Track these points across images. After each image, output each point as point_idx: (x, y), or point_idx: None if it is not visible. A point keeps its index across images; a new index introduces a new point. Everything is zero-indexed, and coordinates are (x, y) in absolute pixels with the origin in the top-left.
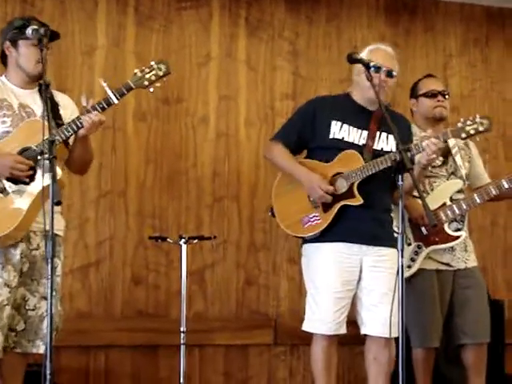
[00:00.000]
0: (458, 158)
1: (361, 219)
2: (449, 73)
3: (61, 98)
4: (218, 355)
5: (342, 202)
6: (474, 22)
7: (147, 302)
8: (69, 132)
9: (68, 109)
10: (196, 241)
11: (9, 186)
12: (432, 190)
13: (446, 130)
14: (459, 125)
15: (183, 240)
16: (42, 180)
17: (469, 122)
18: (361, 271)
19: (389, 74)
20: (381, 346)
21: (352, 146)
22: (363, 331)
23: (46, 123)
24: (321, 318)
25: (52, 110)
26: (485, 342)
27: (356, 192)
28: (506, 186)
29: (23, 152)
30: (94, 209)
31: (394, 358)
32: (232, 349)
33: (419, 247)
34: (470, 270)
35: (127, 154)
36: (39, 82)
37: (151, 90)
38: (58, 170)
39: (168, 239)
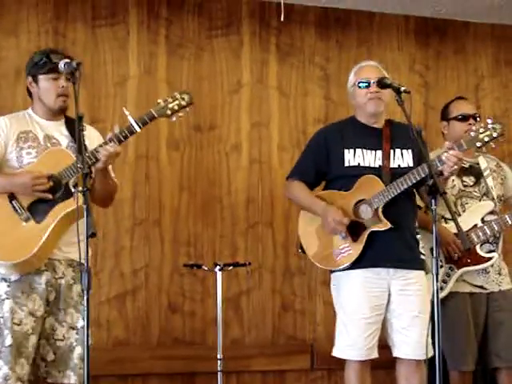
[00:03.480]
0: (489, 180)
1: (388, 243)
2: (481, 94)
3: (87, 130)
4: (256, 381)
5: (370, 229)
6: (505, 43)
7: (184, 330)
8: (92, 159)
9: (95, 141)
10: (231, 268)
11: (31, 212)
12: (464, 211)
13: (460, 140)
14: (472, 134)
15: (218, 267)
16: (72, 209)
17: (481, 130)
18: (389, 294)
19: (379, 83)
20: (412, 369)
21: (369, 169)
22: (395, 354)
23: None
24: (352, 344)
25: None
26: None
27: (382, 217)
28: None
29: (47, 179)
30: (129, 237)
31: (425, 380)
32: (269, 374)
33: (451, 269)
34: (504, 293)
35: (161, 183)
36: (65, 115)
37: (173, 119)
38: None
39: (203, 266)
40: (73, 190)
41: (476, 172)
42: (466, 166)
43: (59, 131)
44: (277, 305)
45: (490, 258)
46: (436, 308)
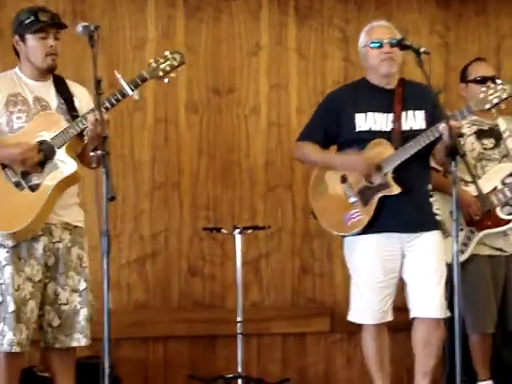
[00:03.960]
0: (509, 142)
1: (400, 207)
2: (502, 54)
3: (75, 88)
4: (275, 344)
5: (380, 194)
6: None
7: (203, 293)
8: (75, 130)
9: (83, 99)
10: (250, 231)
11: (24, 180)
12: (484, 174)
13: (468, 104)
14: (481, 95)
15: (237, 230)
16: (67, 175)
17: (490, 91)
18: (403, 256)
19: (391, 43)
20: (431, 328)
21: (380, 133)
22: (413, 314)
23: (102, 116)
24: (365, 307)
25: (67, 102)
26: None
27: (391, 181)
28: None
29: (40, 144)
30: (149, 201)
31: (443, 341)
32: (289, 337)
33: (472, 232)
34: None
35: (180, 146)
36: (54, 74)
37: (166, 80)
38: (73, 163)
39: (222, 230)
40: (91, 153)
41: (496, 134)
42: (486, 128)
43: (48, 92)
44: (296, 268)
45: (510, 220)
46: (456, 271)
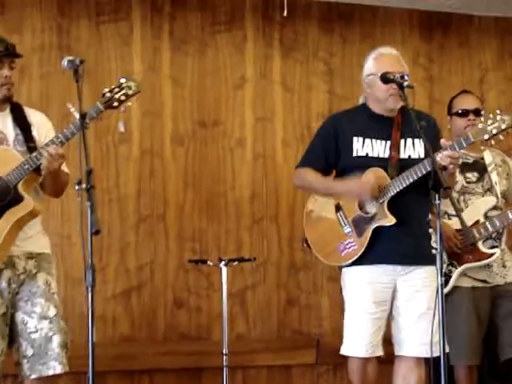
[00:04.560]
0: (493, 175)
1: (395, 239)
2: (485, 87)
3: (33, 116)
4: (261, 376)
5: (374, 224)
6: (509, 35)
7: (189, 325)
8: (30, 165)
9: (42, 128)
10: (236, 263)
11: None
12: (467, 207)
13: (467, 133)
14: (480, 125)
15: (223, 262)
16: (25, 214)
17: (490, 122)
18: (395, 291)
19: (381, 78)
20: (413, 366)
21: (378, 160)
22: (399, 352)
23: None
24: (357, 340)
25: (24, 132)
26: None
27: (387, 212)
28: None
29: None
30: (134, 233)
31: (423, 379)
32: (275, 369)
33: (452, 265)
34: (510, 285)
35: (165, 178)
36: (11, 102)
37: (122, 109)
38: (30, 200)
39: (208, 262)
40: (76, 187)
41: (480, 167)
42: (470, 161)
43: (5, 123)
44: (282, 299)
45: (491, 254)
46: (440, 303)
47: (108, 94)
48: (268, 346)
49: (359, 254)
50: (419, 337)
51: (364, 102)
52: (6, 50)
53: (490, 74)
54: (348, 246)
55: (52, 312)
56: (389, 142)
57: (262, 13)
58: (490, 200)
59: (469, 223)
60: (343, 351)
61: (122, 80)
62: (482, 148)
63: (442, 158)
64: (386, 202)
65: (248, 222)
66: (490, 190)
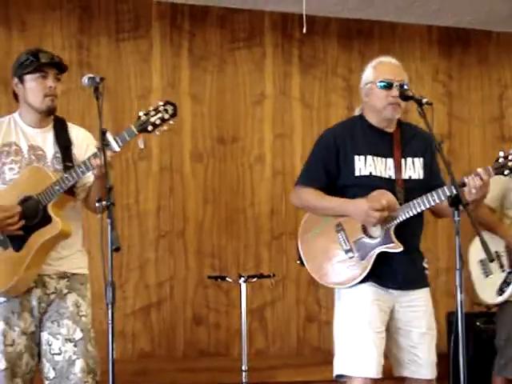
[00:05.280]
0: None
1: (397, 265)
2: (505, 103)
3: (76, 134)
4: None
5: (380, 249)
6: None
7: (208, 341)
8: (61, 187)
9: (82, 146)
10: (255, 279)
11: (9, 238)
12: None
13: (488, 167)
14: (501, 161)
15: (243, 279)
16: (50, 237)
17: (511, 157)
18: (392, 312)
19: (400, 95)
20: None
21: (381, 180)
22: (403, 374)
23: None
24: (368, 360)
25: (63, 151)
26: None
27: (394, 238)
28: None
29: (24, 202)
30: (154, 249)
31: None
32: None
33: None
34: None
35: (185, 195)
36: (55, 116)
37: (156, 133)
38: (58, 222)
39: (227, 278)
40: (97, 204)
41: None
42: None
43: (45, 140)
44: (301, 316)
45: None
46: (460, 320)
47: (143, 118)
48: (287, 362)
49: (360, 279)
50: (425, 359)
51: (360, 114)
52: (51, 59)
53: (510, 91)
54: (348, 268)
55: (78, 335)
56: (389, 160)
57: (281, 30)
58: None
59: None
60: (344, 371)
61: (160, 103)
62: None
63: (470, 181)
64: (393, 228)
65: (267, 238)
66: None
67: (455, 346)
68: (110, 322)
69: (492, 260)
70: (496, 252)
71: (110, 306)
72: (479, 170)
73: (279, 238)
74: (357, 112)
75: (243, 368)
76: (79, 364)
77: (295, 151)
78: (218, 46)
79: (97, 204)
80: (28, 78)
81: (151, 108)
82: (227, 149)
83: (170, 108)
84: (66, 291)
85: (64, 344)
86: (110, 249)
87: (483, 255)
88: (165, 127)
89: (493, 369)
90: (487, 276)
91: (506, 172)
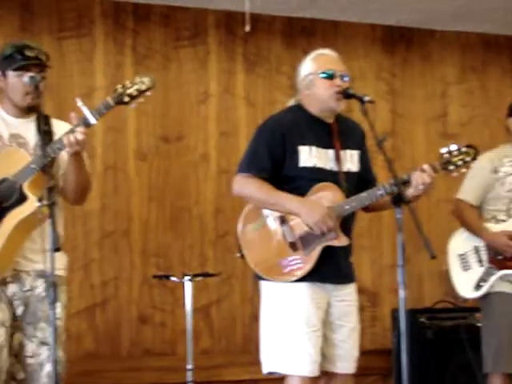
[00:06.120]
0: None
1: (337, 259)
2: (447, 101)
3: (58, 127)
4: None
5: (325, 243)
6: (470, 50)
7: (154, 341)
8: (37, 165)
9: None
10: (200, 278)
11: None
12: None
13: (434, 162)
14: (446, 157)
15: (187, 278)
16: (28, 215)
17: (455, 153)
18: (329, 307)
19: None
20: (344, 383)
21: (325, 172)
22: (330, 369)
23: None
24: (303, 358)
25: (45, 139)
26: None
27: (340, 231)
28: None
29: (1, 183)
30: (98, 249)
31: None
32: None
33: (491, 269)
34: None
35: (129, 194)
36: (39, 113)
37: (132, 105)
38: (34, 200)
39: (172, 277)
40: (38, 204)
41: None
42: None
43: (28, 129)
44: (247, 314)
45: None
46: (401, 316)
47: (120, 90)
48: (233, 360)
49: (304, 273)
50: (351, 353)
51: (299, 104)
52: (36, 58)
53: (452, 88)
54: (292, 263)
55: (52, 339)
56: (330, 151)
57: (225, 28)
58: None
59: None
60: (282, 369)
61: (136, 77)
62: None
63: (416, 177)
64: (338, 222)
65: (212, 237)
66: None
67: (398, 343)
68: (52, 322)
69: (434, 257)
70: (475, 247)
71: (51, 305)
72: (425, 166)
73: (224, 236)
74: (291, 103)
75: (188, 367)
76: (47, 368)
77: (240, 149)
78: (161, 44)
79: (36, 204)
80: (10, 73)
81: (127, 81)
82: (172, 147)
83: (146, 79)
84: (44, 293)
85: (38, 347)
86: (50, 249)
87: (463, 249)
88: (141, 99)
89: (484, 369)
90: (466, 270)
91: (452, 167)
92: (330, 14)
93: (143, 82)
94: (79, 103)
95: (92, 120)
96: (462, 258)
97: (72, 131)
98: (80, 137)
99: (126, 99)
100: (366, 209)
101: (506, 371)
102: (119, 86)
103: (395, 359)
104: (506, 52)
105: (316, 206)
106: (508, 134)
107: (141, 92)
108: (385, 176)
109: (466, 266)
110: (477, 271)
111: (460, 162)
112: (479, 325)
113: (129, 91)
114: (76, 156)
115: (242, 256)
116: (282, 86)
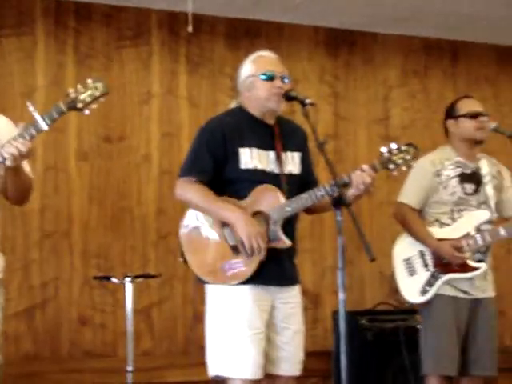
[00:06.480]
0: (489, 187)
1: (280, 261)
2: (389, 104)
3: None
4: None
5: (267, 245)
6: (412, 54)
7: (94, 342)
8: None
9: (3, 131)
10: (141, 279)
11: None
12: (460, 218)
13: (374, 161)
14: (386, 155)
15: (128, 279)
16: None
17: (395, 152)
18: (272, 309)
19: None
20: None
21: (266, 174)
22: (273, 371)
23: None
24: (244, 361)
25: None
26: (495, 375)
27: (282, 234)
28: None
29: None
30: (38, 250)
31: None
32: None
33: (436, 273)
34: (487, 301)
35: (70, 194)
36: None
37: (86, 112)
38: None
39: (112, 279)
40: None
41: (477, 178)
42: (469, 171)
43: None
44: (188, 315)
45: (477, 268)
46: (341, 316)
47: (72, 94)
48: (174, 362)
49: (247, 276)
50: (295, 355)
51: (240, 106)
52: None
53: (394, 91)
54: (235, 267)
55: None
56: (271, 153)
57: (168, 28)
58: (484, 214)
59: (458, 234)
60: (225, 372)
61: (89, 80)
62: (478, 156)
63: (356, 175)
64: (280, 224)
65: (154, 238)
66: (484, 202)
67: (338, 345)
68: None
69: (373, 260)
70: (420, 251)
71: None
72: (364, 166)
73: (166, 237)
74: (232, 105)
75: (129, 369)
76: None
77: (182, 150)
78: (104, 44)
79: None
80: None
81: (79, 85)
82: (113, 148)
83: (100, 85)
84: None
85: None
86: None
87: (408, 254)
88: (94, 105)
89: (424, 371)
90: (411, 275)
91: (392, 166)
92: (273, 16)
93: (97, 87)
94: (30, 108)
95: (44, 126)
96: (407, 262)
97: (15, 140)
98: (24, 149)
99: (80, 105)
100: (309, 210)
101: (445, 374)
102: (71, 91)
103: (335, 361)
104: (447, 56)
105: (250, 224)
106: (447, 137)
107: (94, 98)
108: (327, 178)
109: (411, 271)
110: (422, 276)
111: (400, 161)
112: (419, 327)
113: (82, 97)
114: (14, 169)
115: (185, 261)
116: (225, 87)
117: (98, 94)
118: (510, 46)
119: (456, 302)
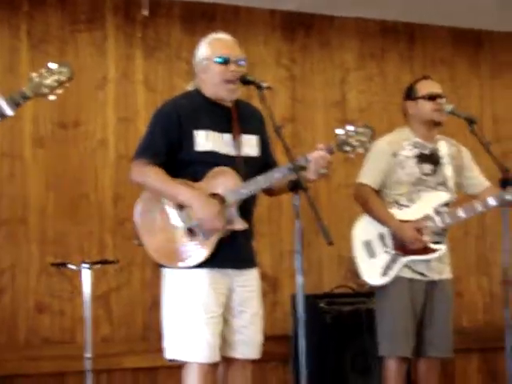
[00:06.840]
0: (447, 168)
1: (237, 243)
2: (346, 87)
3: None
4: (127, 379)
5: (224, 228)
6: (369, 37)
7: (52, 329)
8: None
9: None
10: (99, 265)
11: None
12: (419, 199)
13: (330, 143)
14: (342, 137)
15: (85, 265)
16: None
17: (351, 134)
18: (230, 292)
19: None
20: (245, 367)
21: (221, 156)
22: (231, 355)
23: None
24: (200, 344)
25: None
26: (451, 356)
27: (238, 216)
28: (493, 203)
29: None
30: None
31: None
32: (140, 372)
33: (397, 256)
34: (443, 283)
35: (26, 181)
36: None
37: (52, 97)
38: None
39: (70, 265)
40: None
41: (435, 159)
42: (427, 152)
43: None
44: (147, 301)
45: (436, 250)
46: (300, 300)
47: (36, 80)
48: (133, 348)
49: (204, 258)
50: (253, 339)
51: (196, 88)
52: None
53: (351, 75)
54: (191, 249)
55: None
56: (227, 136)
57: (124, 12)
58: (443, 195)
59: (417, 216)
60: (176, 355)
61: (53, 65)
62: (437, 137)
63: (315, 156)
64: (236, 206)
65: (111, 224)
66: (443, 183)
67: (297, 328)
68: None
69: (331, 243)
70: (380, 233)
71: None
72: (320, 145)
73: (123, 223)
74: (190, 88)
75: (87, 355)
76: None
77: (139, 135)
78: (58, 28)
79: None
80: None
81: (43, 70)
82: (69, 133)
83: (65, 69)
84: None
85: None
86: None
87: (367, 236)
88: (60, 91)
89: (380, 353)
90: (371, 257)
91: (348, 148)
92: None
93: (62, 72)
94: None
95: (9, 112)
96: (367, 244)
97: None
98: None
99: (46, 91)
100: (269, 192)
101: (401, 355)
102: (34, 75)
103: (294, 345)
104: (404, 39)
105: (208, 204)
106: (405, 118)
107: (60, 83)
108: (285, 162)
109: (371, 253)
110: (382, 258)
111: (356, 143)
112: (375, 308)
113: (47, 82)
114: None
115: (140, 244)
116: (181, 71)
117: (63, 78)
118: (465, 28)
119: (412, 284)
